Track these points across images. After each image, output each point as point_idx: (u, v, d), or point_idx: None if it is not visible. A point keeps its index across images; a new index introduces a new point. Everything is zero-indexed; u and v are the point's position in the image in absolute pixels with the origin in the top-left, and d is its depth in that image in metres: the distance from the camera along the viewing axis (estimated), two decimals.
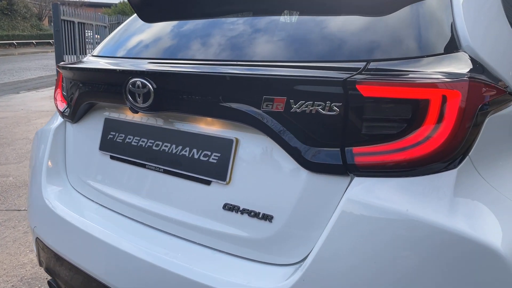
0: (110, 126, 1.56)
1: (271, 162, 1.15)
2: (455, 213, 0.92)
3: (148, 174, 1.41)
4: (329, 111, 1.01)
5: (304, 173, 1.07)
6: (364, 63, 1.05)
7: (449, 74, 0.98)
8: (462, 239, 0.90)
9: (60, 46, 10.04)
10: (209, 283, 1.09)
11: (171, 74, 1.29)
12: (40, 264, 1.81)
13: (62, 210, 1.56)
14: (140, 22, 1.72)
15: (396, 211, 0.94)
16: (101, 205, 1.56)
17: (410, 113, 0.97)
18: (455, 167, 0.96)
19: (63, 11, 10.30)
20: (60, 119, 1.82)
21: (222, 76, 1.16)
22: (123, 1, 41.76)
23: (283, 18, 1.33)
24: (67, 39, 10.39)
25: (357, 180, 1.01)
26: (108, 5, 45.59)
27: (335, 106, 1.01)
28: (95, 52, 1.81)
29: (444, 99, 0.95)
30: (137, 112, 1.36)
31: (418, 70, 1.02)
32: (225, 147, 1.22)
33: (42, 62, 20.41)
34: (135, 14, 1.81)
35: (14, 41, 30.11)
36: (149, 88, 1.26)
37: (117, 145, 1.51)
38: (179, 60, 1.38)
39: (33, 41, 32.31)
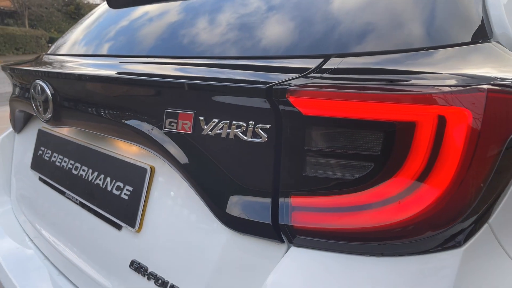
0: (41, 140, 1.26)
1: (184, 206, 0.77)
2: None
3: (67, 205, 1.09)
4: (252, 136, 0.62)
5: (223, 231, 0.69)
6: (321, 60, 0.64)
7: (456, 80, 0.56)
8: None
9: None
10: None
11: (63, 75, 0.95)
12: None
13: None
14: (95, 14, 1.41)
15: None
16: (29, 238, 1.26)
17: (382, 145, 0.55)
18: (459, 245, 0.53)
19: None
20: (11, 128, 1.55)
21: (114, 79, 0.80)
22: None
23: (217, 3, 0.93)
24: None
25: (291, 253, 0.61)
26: None
27: (261, 129, 0.61)
28: (50, 49, 1.53)
29: (441, 122, 0.53)
30: (48, 123, 1.04)
31: (407, 70, 0.60)
32: (138, 179, 0.86)
33: None
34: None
35: None
36: (47, 94, 0.93)
37: (44, 164, 1.21)
38: (94, 58, 1.04)
39: None
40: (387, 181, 0.55)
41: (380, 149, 0.55)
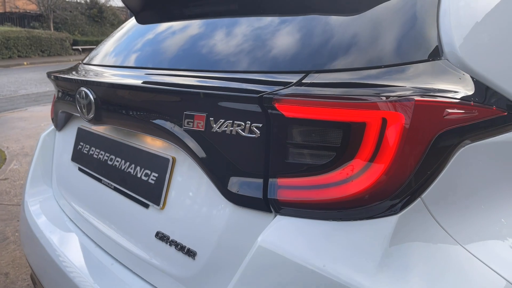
0: (80, 136, 1.50)
1: (199, 188, 0.99)
2: (380, 276, 0.69)
3: (103, 190, 1.32)
4: (249, 133, 0.83)
5: (227, 205, 0.90)
6: (302, 75, 0.85)
7: (396, 91, 0.75)
8: None
9: None
10: None
11: (103, 83, 1.18)
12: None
13: (33, 221, 1.53)
14: (124, 29, 1.65)
15: (309, 265, 0.73)
16: (70, 219, 1.50)
17: (342, 139, 0.76)
18: (395, 212, 0.73)
19: None
20: (52, 126, 1.80)
21: (144, 88, 1.03)
22: None
23: (221, 26, 1.15)
24: None
25: (276, 220, 0.81)
26: None
27: (255, 127, 0.82)
28: (85, 59, 1.76)
29: (384, 123, 0.73)
30: (90, 123, 1.27)
31: (367, 83, 0.80)
32: (162, 167, 1.08)
33: None
34: (127, 21, 1.75)
35: None
36: (90, 99, 1.16)
37: (84, 156, 1.44)
38: (125, 69, 1.27)
39: None
40: (345, 166, 0.76)
41: (340, 142, 0.75)
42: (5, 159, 5.43)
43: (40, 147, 1.75)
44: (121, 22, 38.31)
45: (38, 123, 7.85)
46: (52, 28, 31.71)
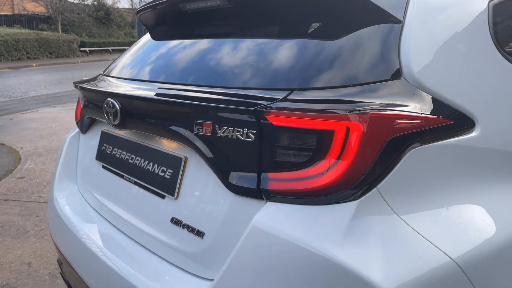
0: (104, 138, 1.74)
1: (206, 181, 1.22)
2: (345, 244, 0.93)
3: (125, 184, 1.56)
4: (246, 137, 1.07)
5: (229, 194, 1.14)
6: (288, 92, 1.08)
7: (358, 106, 0.99)
8: (346, 272, 0.90)
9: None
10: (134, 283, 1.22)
11: (126, 96, 1.42)
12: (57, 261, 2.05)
13: (64, 213, 1.77)
14: (139, 44, 1.89)
15: (292, 239, 0.97)
16: (94, 209, 1.75)
17: (316, 143, 0.99)
18: (356, 198, 0.96)
19: None
20: (76, 129, 2.05)
21: (162, 100, 1.27)
22: None
23: (224, 47, 1.39)
24: None
25: (267, 205, 1.05)
26: None
27: (251, 133, 1.06)
28: (105, 71, 2.01)
29: (348, 131, 0.96)
30: (115, 127, 1.51)
31: (338, 99, 1.03)
32: (176, 164, 1.32)
33: None
34: (143, 37, 1.99)
35: (109, 48, 33.00)
36: (117, 108, 1.40)
37: (107, 156, 1.68)
38: (142, 83, 1.52)
39: (126, 47, 35.08)
40: (319, 163, 0.99)
41: (315, 145, 0.99)
42: (20, 158, 5.67)
43: (66, 148, 1.99)
44: (128, 23, 38.78)
45: (50, 124, 8.09)
46: (60, 30, 32.04)
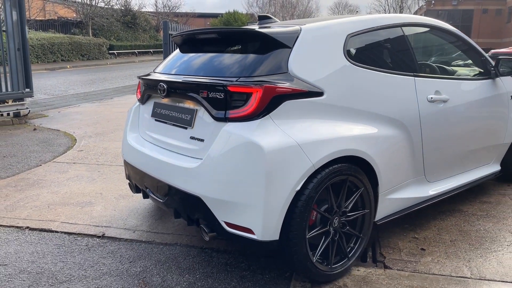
0: (156, 105, 3.34)
1: (205, 118, 2.79)
2: (254, 135, 2.47)
3: (167, 126, 3.14)
4: (220, 96, 2.63)
5: (214, 122, 2.69)
6: (237, 77, 2.64)
7: (262, 83, 2.54)
8: (253, 143, 2.45)
9: (168, 56, 12.53)
10: (166, 161, 2.83)
11: (169, 81, 3.02)
12: (126, 176, 3.67)
13: (132, 144, 3.38)
14: (172, 55, 3.50)
15: (237, 134, 2.52)
16: (148, 141, 3.35)
17: (246, 97, 2.54)
18: (259, 118, 2.51)
19: (171, 27, 12.82)
20: (137, 103, 3.66)
21: (185, 81, 2.88)
22: (229, 12, 45.38)
23: (213, 56, 2.97)
24: (173, 50, 12.86)
25: (228, 124, 2.60)
26: (215, 16, 49.26)
27: (222, 94, 2.62)
28: (156, 69, 3.61)
29: (257, 92, 2.51)
30: (163, 98, 3.11)
31: (257, 80, 2.58)
32: (192, 112, 2.89)
33: None
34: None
35: (135, 50, 35.15)
36: (164, 88, 3.00)
37: (158, 114, 3.28)
38: (174, 75, 3.12)
39: (151, 50, 37.31)
40: (246, 105, 2.54)
41: (245, 98, 2.55)
42: (75, 139, 7.33)
43: (132, 113, 3.61)
44: (152, 27, 40.89)
45: (91, 116, 9.73)
46: (90, 34, 34.05)
